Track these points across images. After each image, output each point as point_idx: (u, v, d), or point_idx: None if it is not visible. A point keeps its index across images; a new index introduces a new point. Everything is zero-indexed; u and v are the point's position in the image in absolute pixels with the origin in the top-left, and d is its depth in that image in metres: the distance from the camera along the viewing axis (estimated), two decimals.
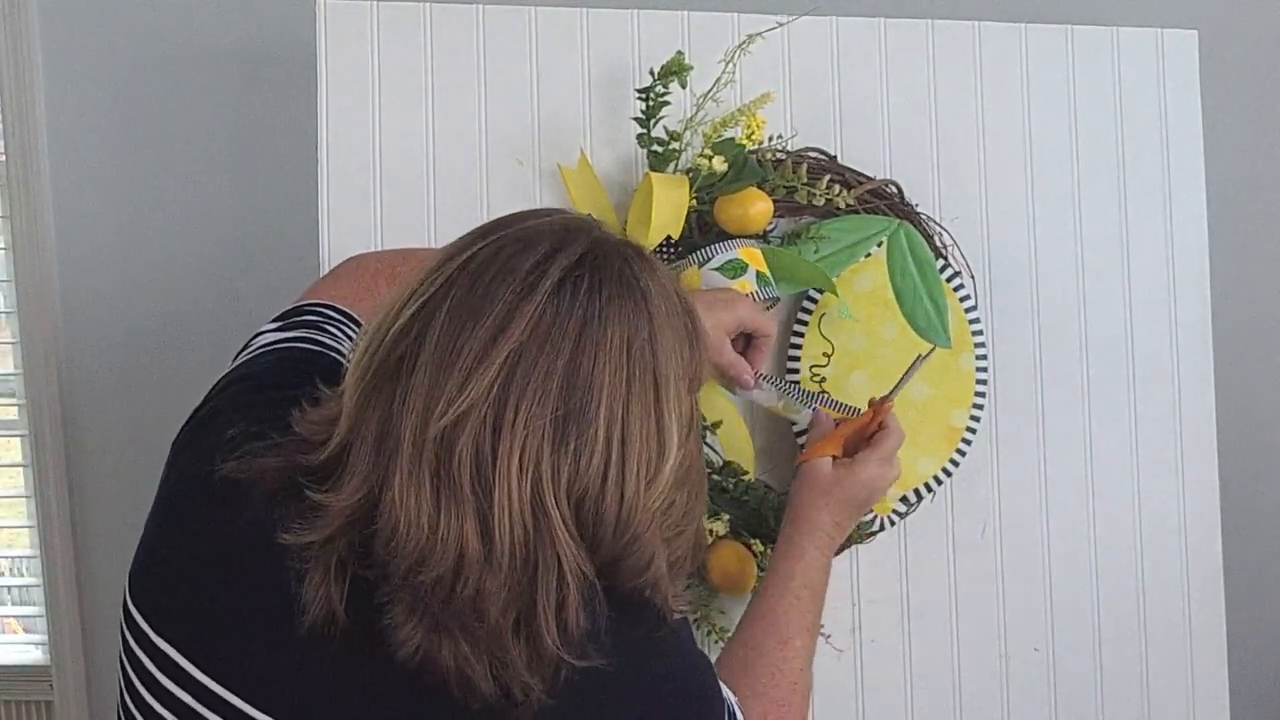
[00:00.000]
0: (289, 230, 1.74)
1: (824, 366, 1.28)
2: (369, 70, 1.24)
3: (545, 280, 0.70)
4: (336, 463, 0.72)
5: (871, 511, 1.27)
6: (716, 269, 1.19)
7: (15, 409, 1.86)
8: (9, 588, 1.97)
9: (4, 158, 1.79)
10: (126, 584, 0.77)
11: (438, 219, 1.25)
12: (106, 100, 1.78)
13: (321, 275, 1.13)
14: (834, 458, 1.11)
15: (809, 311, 1.28)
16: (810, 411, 1.20)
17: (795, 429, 1.24)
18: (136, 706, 0.75)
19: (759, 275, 1.19)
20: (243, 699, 0.72)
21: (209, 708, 0.72)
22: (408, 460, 0.68)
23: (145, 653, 0.74)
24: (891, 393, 1.15)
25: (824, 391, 1.26)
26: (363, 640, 0.70)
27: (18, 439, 1.87)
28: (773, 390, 1.20)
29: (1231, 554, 1.42)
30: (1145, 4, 1.69)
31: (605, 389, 0.69)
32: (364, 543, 0.70)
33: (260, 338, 0.93)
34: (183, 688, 0.73)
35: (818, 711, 1.20)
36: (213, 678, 0.72)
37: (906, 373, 1.17)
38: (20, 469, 1.88)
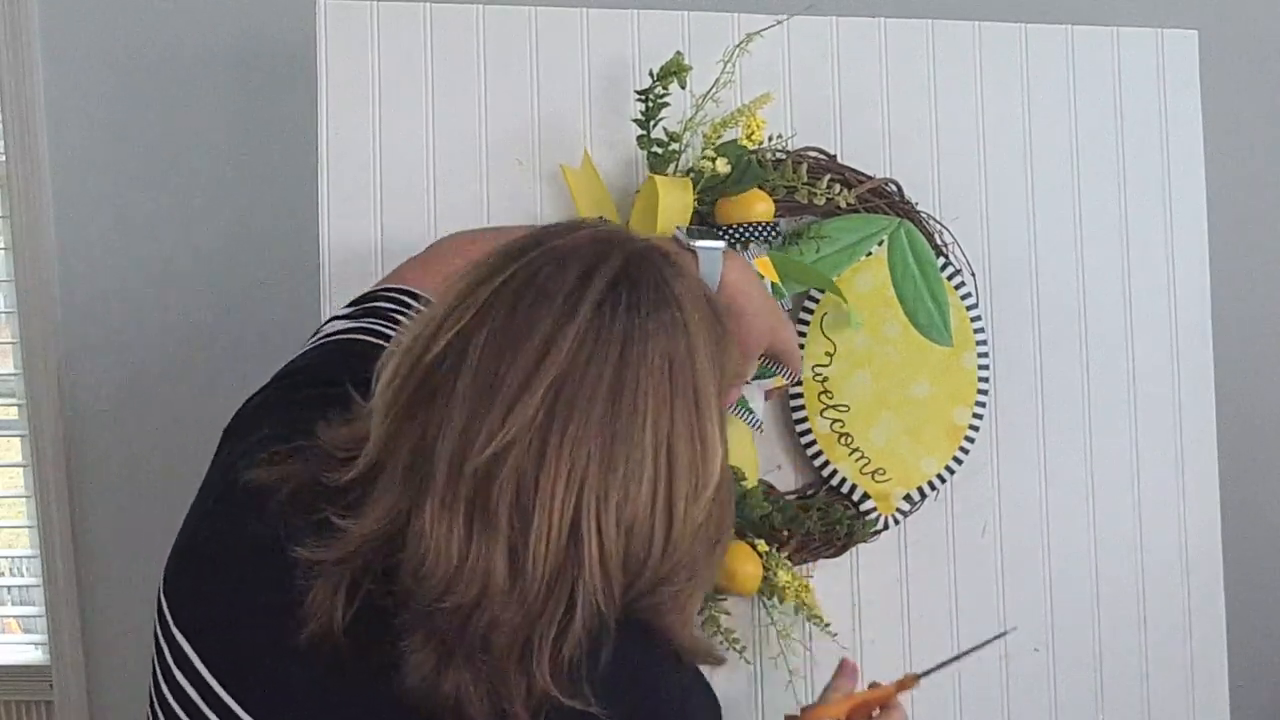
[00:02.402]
0: (289, 230, 1.74)
1: (826, 366, 1.28)
2: (369, 70, 1.24)
3: (584, 303, 0.69)
4: (361, 485, 0.71)
5: (875, 509, 1.27)
6: None
7: (15, 409, 1.86)
8: (9, 588, 1.97)
9: (4, 158, 1.79)
10: (165, 572, 0.79)
11: (438, 219, 1.24)
12: (106, 100, 1.79)
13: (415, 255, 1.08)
14: None
15: (810, 311, 1.28)
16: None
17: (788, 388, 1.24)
18: (154, 694, 0.76)
19: (773, 286, 1.19)
20: (235, 700, 0.72)
21: (208, 705, 0.73)
22: (441, 489, 0.67)
23: (165, 640, 0.76)
24: (927, 673, 1.07)
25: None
26: (359, 661, 0.69)
27: (18, 439, 1.87)
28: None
29: (1231, 554, 1.42)
30: (1145, 4, 1.69)
31: (650, 409, 0.68)
32: (384, 568, 0.69)
33: (329, 325, 0.93)
34: (190, 681, 0.74)
35: None
36: (214, 675, 0.73)
37: (956, 657, 1.09)
38: (20, 469, 1.88)
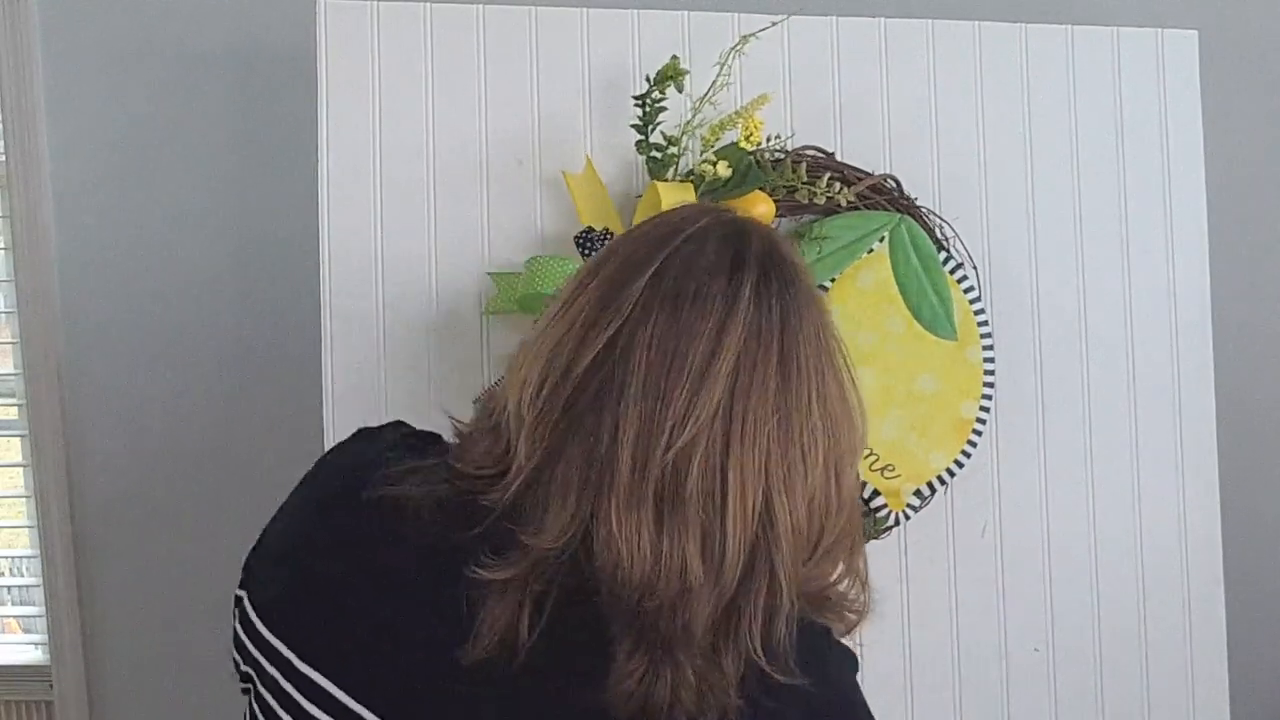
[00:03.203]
0: (289, 230, 1.74)
1: None
2: (369, 70, 1.24)
3: (744, 287, 0.70)
4: (528, 498, 0.69)
5: (886, 506, 1.27)
6: None
7: (15, 409, 1.86)
8: (9, 588, 1.96)
9: (4, 158, 1.79)
10: (254, 603, 0.75)
11: (438, 219, 1.24)
12: (106, 100, 1.78)
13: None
14: None
15: None
16: None
17: None
18: None
19: None
20: None
21: None
22: (625, 491, 0.66)
23: (285, 677, 0.72)
24: None
25: None
26: (558, 674, 0.68)
27: (18, 439, 1.87)
28: None
29: (1231, 554, 1.42)
30: (1145, 4, 1.69)
31: (813, 380, 0.71)
32: (575, 577, 0.68)
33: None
34: (325, 711, 0.70)
35: None
36: (367, 707, 0.69)
37: None
38: (20, 469, 1.88)
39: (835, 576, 0.75)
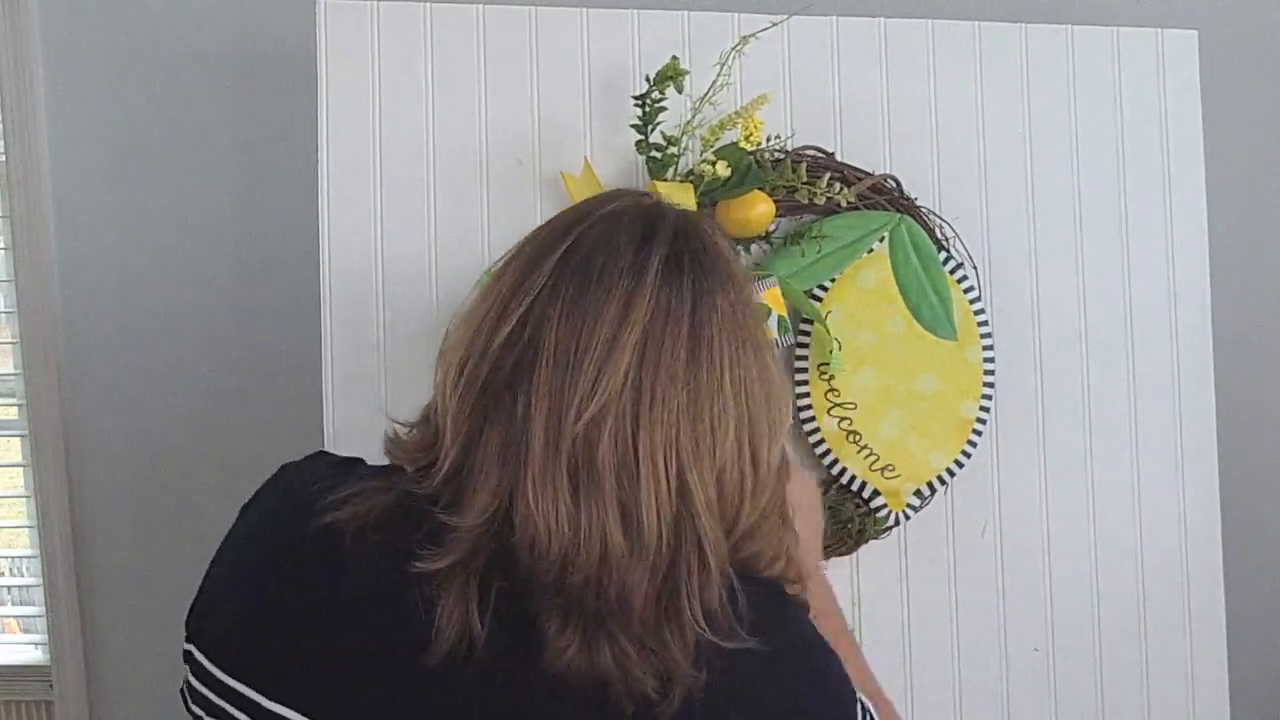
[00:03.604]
0: (289, 230, 1.74)
1: (832, 364, 1.28)
2: (369, 70, 1.24)
3: (653, 261, 0.71)
4: (458, 482, 0.70)
5: (886, 506, 1.27)
6: None
7: (15, 409, 1.86)
8: (9, 588, 1.96)
9: (4, 158, 1.79)
10: (203, 650, 0.73)
11: (438, 219, 1.24)
12: (106, 100, 1.78)
13: None
14: None
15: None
16: None
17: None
18: None
19: (779, 321, 1.20)
20: None
21: None
22: (540, 465, 0.67)
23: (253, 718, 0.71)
24: None
25: None
26: (509, 660, 0.68)
27: (18, 439, 1.87)
28: None
29: (1231, 554, 1.42)
30: (1145, 4, 1.69)
31: (725, 357, 0.71)
32: (504, 557, 0.68)
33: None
34: None
35: None
36: None
37: None
38: (20, 469, 1.88)
39: (769, 556, 0.75)
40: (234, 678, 0.72)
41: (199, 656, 0.74)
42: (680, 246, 0.73)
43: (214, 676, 0.72)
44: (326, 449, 0.87)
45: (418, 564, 0.68)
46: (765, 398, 0.73)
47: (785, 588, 0.76)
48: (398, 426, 0.78)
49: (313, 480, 0.76)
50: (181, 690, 0.76)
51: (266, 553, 0.75)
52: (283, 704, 0.70)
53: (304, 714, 0.69)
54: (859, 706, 0.75)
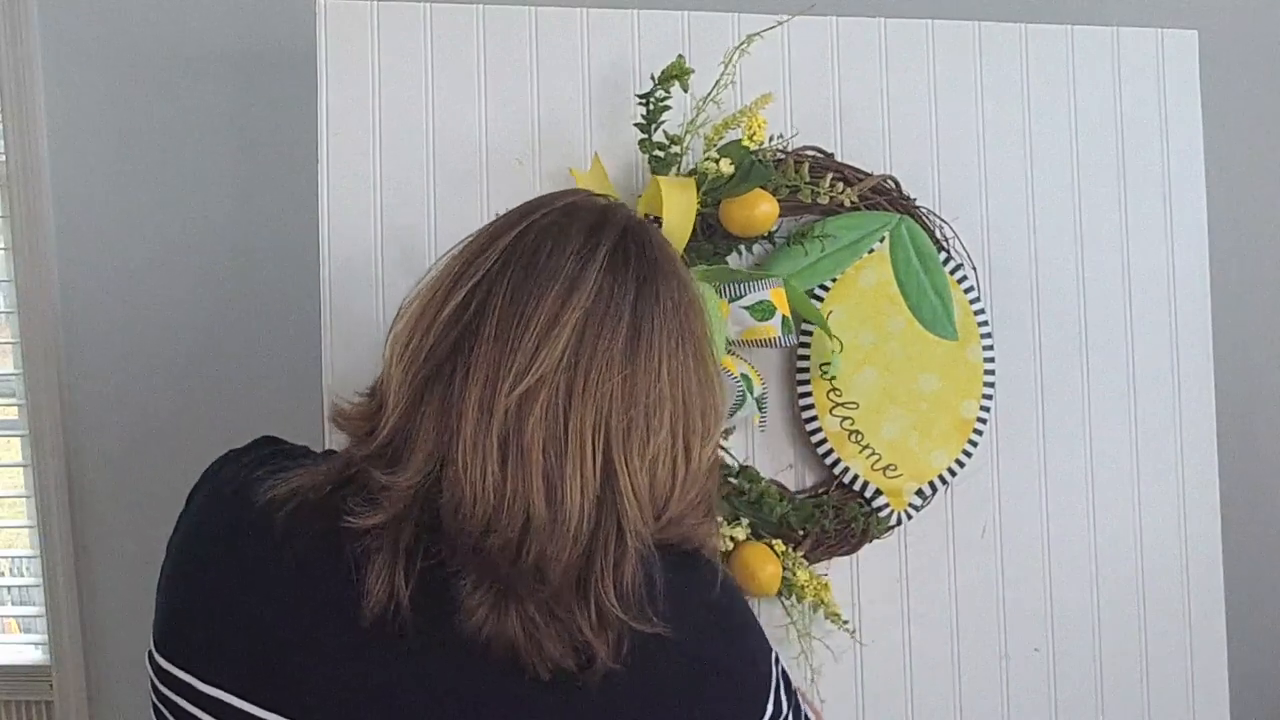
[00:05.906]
0: (289, 230, 1.74)
1: (833, 364, 1.28)
2: (369, 70, 1.24)
3: (601, 247, 0.73)
4: (396, 445, 0.72)
5: (888, 506, 1.27)
6: (746, 307, 1.19)
7: (15, 409, 1.86)
8: (9, 588, 1.96)
9: (4, 158, 1.79)
10: (154, 642, 0.75)
11: (438, 219, 1.24)
12: (106, 100, 1.78)
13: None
14: None
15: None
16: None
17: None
18: None
19: (783, 320, 1.20)
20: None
21: None
22: (473, 431, 0.69)
23: (193, 703, 0.72)
24: None
25: None
26: (431, 621, 0.69)
27: (18, 439, 1.87)
28: None
29: (1231, 554, 1.42)
30: (1145, 4, 1.69)
31: (664, 349, 0.72)
32: (432, 519, 0.70)
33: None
34: None
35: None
36: (270, 709, 0.70)
37: None
38: (20, 469, 1.88)
39: (691, 544, 0.77)
40: (174, 664, 0.73)
41: (151, 649, 0.76)
42: (628, 241, 0.75)
43: (160, 666, 0.74)
44: (273, 435, 0.89)
45: (349, 519, 0.70)
46: (701, 394, 0.75)
47: (715, 564, 0.78)
48: (342, 398, 0.80)
49: (257, 462, 0.79)
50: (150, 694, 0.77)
51: (205, 540, 0.77)
52: (216, 686, 0.71)
53: (236, 695, 0.71)
54: (773, 657, 0.78)
